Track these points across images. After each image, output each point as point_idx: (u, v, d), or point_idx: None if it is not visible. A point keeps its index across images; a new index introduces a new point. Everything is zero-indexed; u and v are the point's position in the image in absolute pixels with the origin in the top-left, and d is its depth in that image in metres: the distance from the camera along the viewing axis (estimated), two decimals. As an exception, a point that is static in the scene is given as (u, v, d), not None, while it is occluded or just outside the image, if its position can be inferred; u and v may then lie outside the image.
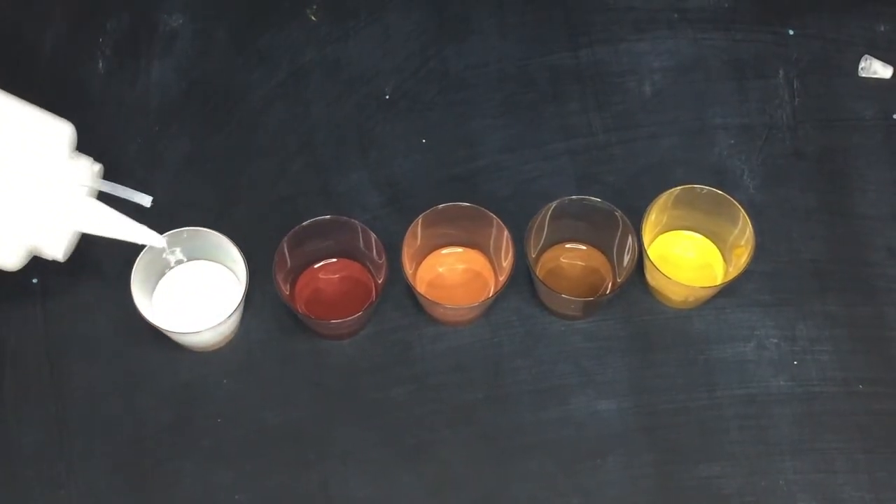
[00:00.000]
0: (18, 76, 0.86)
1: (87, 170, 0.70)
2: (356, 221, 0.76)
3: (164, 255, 0.77)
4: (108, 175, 0.72)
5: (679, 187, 0.77)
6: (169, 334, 0.75)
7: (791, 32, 0.90)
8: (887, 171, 0.85)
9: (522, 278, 0.81)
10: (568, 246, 0.81)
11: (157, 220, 0.73)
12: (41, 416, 0.77)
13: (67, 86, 0.87)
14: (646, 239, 0.78)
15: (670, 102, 0.87)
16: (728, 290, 0.79)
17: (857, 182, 0.85)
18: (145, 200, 0.71)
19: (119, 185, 0.71)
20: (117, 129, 0.86)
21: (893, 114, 0.87)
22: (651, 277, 0.79)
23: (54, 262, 0.71)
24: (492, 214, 0.76)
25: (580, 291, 0.80)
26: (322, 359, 0.79)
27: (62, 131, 0.69)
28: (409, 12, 0.91)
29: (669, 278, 0.75)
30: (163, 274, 0.78)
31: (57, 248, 0.70)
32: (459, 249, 0.81)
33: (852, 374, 0.79)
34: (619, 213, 0.76)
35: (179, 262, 0.78)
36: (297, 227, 0.76)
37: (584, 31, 0.90)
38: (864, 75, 0.88)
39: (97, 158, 0.71)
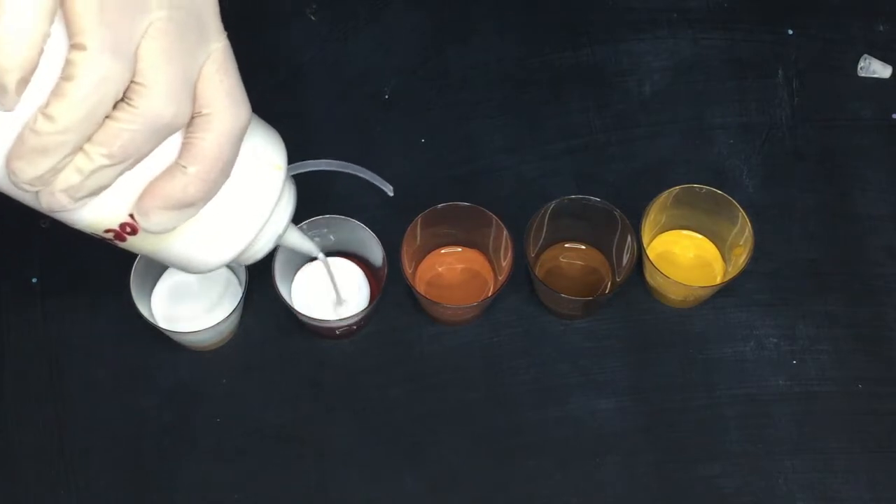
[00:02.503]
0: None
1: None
2: (355, 221, 0.76)
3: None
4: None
5: (678, 187, 0.77)
6: (169, 334, 0.75)
7: (790, 32, 0.90)
8: (887, 171, 0.85)
9: (522, 278, 0.81)
10: (567, 245, 0.81)
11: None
12: (41, 416, 0.77)
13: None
14: (645, 238, 0.78)
15: (670, 102, 0.87)
16: (727, 290, 0.79)
17: (857, 182, 0.85)
18: (388, 190, 0.65)
19: (366, 170, 0.65)
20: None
21: (893, 114, 0.87)
22: (650, 277, 0.79)
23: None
24: (491, 214, 0.76)
25: (579, 291, 0.80)
26: (322, 359, 0.79)
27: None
28: (409, 12, 0.91)
29: (668, 278, 0.75)
30: (162, 274, 0.78)
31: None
32: (459, 249, 0.81)
33: (851, 374, 0.79)
34: (618, 213, 0.76)
35: None
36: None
37: (584, 31, 0.90)
38: (863, 75, 0.88)
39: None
